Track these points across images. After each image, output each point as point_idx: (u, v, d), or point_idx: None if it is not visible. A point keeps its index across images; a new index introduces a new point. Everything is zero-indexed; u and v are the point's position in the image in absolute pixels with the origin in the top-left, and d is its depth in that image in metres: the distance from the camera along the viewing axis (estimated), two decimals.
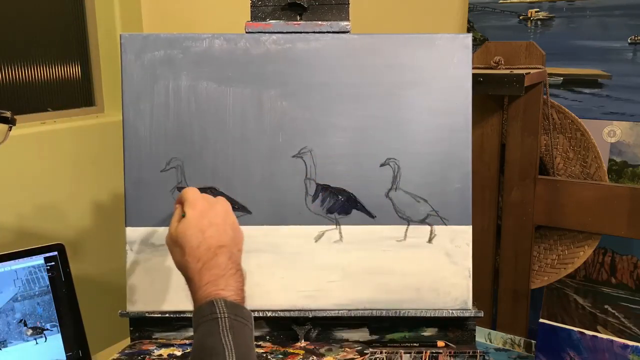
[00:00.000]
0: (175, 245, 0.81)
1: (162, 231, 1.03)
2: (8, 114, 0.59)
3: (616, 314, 1.35)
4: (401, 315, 1.03)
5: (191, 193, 0.84)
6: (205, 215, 0.81)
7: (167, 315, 1.04)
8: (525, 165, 1.24)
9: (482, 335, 1.17)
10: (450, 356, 1.01)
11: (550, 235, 1.31)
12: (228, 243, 0.80)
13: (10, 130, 0.59)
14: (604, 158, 1.28)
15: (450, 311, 1.03)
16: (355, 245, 1.04)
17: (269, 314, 1.03)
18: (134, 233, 1.03)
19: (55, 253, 1.06)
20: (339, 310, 1.04)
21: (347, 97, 1.03)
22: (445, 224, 1.03)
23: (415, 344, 1.05)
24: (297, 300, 1.03)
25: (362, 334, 1.07)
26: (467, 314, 1.03)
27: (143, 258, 1.03)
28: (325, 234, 1.04)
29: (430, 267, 1.03)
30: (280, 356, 1.01)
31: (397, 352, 1.02)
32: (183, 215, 0.82)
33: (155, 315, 1.04)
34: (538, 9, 1.35)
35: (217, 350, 0.70)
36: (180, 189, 1.03)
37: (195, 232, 0.79)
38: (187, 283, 0.80)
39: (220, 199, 0.86)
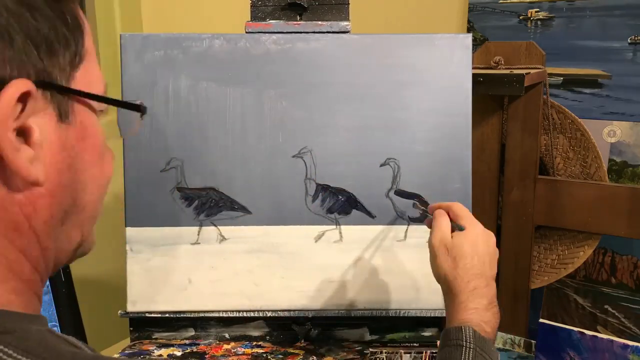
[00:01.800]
0: (447, 254, 0.79)
1: (162, 231, 1.03)
2: (139, 102, 0.58)
3: (616, 314, 1.35)
4: (401, 315, 1.03)
5: (465, 209, 0.83)
6: (484, 240, 0.80)
7: (167, 315, 1.04)
8: (525, 165, 1.24)
9: None
10: None
11: (550, 235, 1.31)
12: (494, 276, 0.79)
13: (142, 119, 0.58)
14: (604, 158, 1.27)
15: None
16: (355, 245, 1.04)
17: (269, 314, 1.04)
18: (134, 233, 1.03)
19: None
20: (339, 310, 1.04)
21: (347, 97, 1.03)
22: None
23: (415, 344, 1.05)
24: (297, 300, 1.03)
25: (362, 334, 1.07)
26: None
27: (143, 258, 1.03)
28: (325, 234, 1.04)
29: (430, 267, 1.03)
30: (280, 356, 1.01)
31: (397, 352, 1.02)
32: (460, 228, 0.81)
33: (155, 315, 1.04)
34: (538, 9, 1.35)
35: None
36: (180, 189, 1.03)
37: (471, 251, 0.78)
38: (446, 294, 0.79)
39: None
